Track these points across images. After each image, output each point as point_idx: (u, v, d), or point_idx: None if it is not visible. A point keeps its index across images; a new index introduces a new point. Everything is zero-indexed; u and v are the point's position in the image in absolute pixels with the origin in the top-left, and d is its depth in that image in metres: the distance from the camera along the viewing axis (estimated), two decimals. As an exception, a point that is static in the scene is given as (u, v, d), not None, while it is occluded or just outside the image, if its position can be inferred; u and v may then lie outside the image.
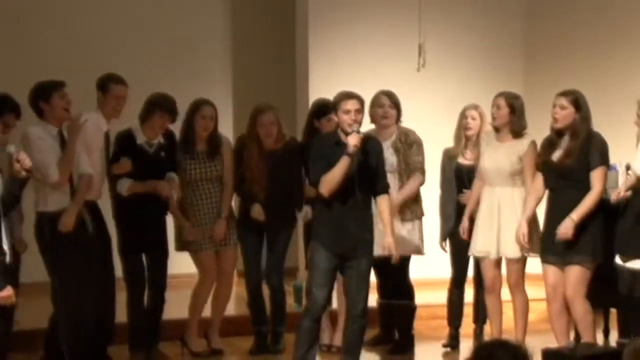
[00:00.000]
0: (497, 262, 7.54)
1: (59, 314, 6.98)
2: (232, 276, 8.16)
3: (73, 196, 6.95)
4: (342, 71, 10.00)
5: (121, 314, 7.64)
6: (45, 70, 7.59)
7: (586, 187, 6.97)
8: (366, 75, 9.75)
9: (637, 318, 6.92)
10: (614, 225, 7.00)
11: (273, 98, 8.55)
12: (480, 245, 7.51)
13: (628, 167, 7.22)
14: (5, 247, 5.88)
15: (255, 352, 8.03)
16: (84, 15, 10.42)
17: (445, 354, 8.08)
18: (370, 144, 6.92)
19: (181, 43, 10.77)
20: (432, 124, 8.08)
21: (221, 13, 11.13)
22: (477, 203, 7.57)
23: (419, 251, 8.02)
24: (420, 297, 8.24)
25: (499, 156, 7.45)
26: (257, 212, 7.85)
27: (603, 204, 7.07)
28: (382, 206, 6.99)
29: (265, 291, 8.11)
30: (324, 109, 7.81)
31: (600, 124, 7.17)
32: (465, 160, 7.99)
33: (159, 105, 7.64)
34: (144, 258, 7.70)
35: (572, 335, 7.29)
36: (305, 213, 7.97)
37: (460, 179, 7.96)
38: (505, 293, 7.70)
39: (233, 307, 8.99)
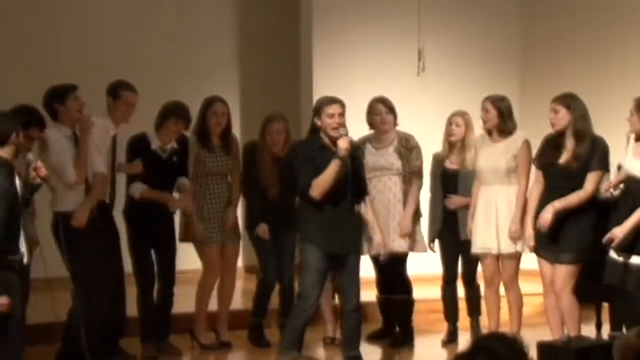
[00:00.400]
0: (497, 258, 7.61)
1: (77, 308, 7.02)
2: (235, 270, 8.18)
3: (87, 194, 7.00)
4: (344, 75, 10.01)
5: (132, 308, 7.65)
6: (57, 75, 7.59)
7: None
8: (367, 78, 9.76)
9: (628, 311, 6.92)
10: (605, 221, 7.02)
11: (278, 99, 8.59)
12: (480, 242, 7.59)
13: (619, 167, 7.23)
14: (23, 248, 5.91)
15: (253, 340, 8.07)
16: (94, 21, 10.32)
17: (444, 346, 8.10)
18: (354, 147, 7.05)
19: (189, 46, 10.74)
20: (431, 128, 8.09)
21: (228, 17, 11.12)
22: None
23: (424, 249, 8.14)
24: (418, 292, 8.27)
25: (493, 156, 7.53)
26: (262, 231, 7.93)
27: (594, 202, 7.10)
28: (368, 207, 7.24)
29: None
30: (327, 104, 7.86)
31: (596, 126, 7.19)
32: (451, 165, 8.03)
33: (174, 112, 7.70)
34: (153, 254, 7.73)
35: (566, 329, 7.31)
36: None
37: (445, 183, 8.01)
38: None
39: (241, 302, 9.02)
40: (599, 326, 7.93)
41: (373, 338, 8.33)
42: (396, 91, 8.28)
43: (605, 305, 7.77)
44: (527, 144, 7.51)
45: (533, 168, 7.43)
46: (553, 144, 7.19)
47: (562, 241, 7.02)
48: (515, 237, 7.42)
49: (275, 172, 7.91)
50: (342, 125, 6.93)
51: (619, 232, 6.65)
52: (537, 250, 7.23)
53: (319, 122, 6.97)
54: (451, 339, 8.14)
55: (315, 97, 9.54)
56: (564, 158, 7.09)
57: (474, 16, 10.60)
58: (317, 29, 10.18)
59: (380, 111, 8.05)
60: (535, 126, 7.77)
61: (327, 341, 8.11)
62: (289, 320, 7.23)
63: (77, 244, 6.92)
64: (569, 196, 6.98)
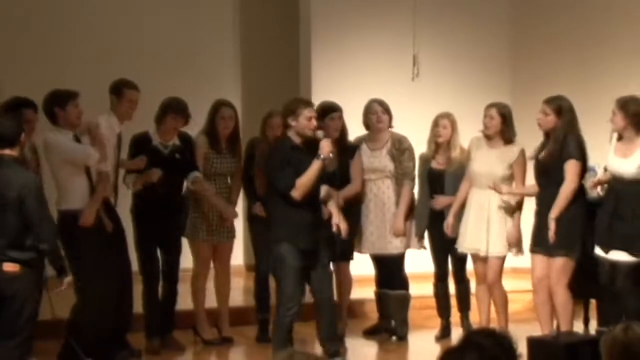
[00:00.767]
0: (486, 258, 7.66)
1: (82, 304, 7.04)
2: (229, 267, 8.16)
3: (92, 194, 7.03)
4: (342, 79, 10.01)
5: (137, 305, 7.68)
6: (61, 76, 7.58)
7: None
8: (363, 83, 9.76)
9: (615, 308, 6.95)
10: (592, 220, 7.06)
11: (278, 102, 8.54)
12: (469, 242, 7.64)
13: (605, 169, 7.26)
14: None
15: (261, 339, 8.06)
16: (96, 24, 10.25)
17: (437, 341, 8.11)
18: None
19: (192, 47, 10.70)
20: (424, 131, 8.09)
21: (230, 19, 11.10)
22: (463, 204, 7.68)
23: (422, 246, 8.19)
24: (413, 289, 8.29)
25: (491, 161, 7.58)
26: (259, 209, 7.91)
27: (584, 200, 7.14)
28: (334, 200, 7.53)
29: (272, 283, 8.14)
30: (327, 110, 7.93)
31: (584, 128, 7.24)
32: (437, 165, 8.05)
33: (172, 108, 7.71)
34: (158, 252, 7.74)
35: (555, 323, 7.33)
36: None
37: (432, 182, 8.04)
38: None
39: (242, 299, 9.04)
40: (586, 322, 7.96)
41: (369, 333, 8.36)
42: (391, 96, 8.29)
43: (593, 301, 7.79)
44: (523, 153, 7.60)
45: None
46: (542, 144, 7.26)
47: (558, 237, 7.05)
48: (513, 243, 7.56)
49: None
50: (318, 128, 7.05)
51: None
52: (532, 248, 7.28)
53: (294, 123, 7.01)
54: (445, 334, 8.17)
55: (314, 101, 9.58)
56: (542, 155, 7.16)
57: (467, 24, 10.60)
58: (316, 35, 10.18)
59: (377, 111, 8.09)
60: (524, 129, 7.79)
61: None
62: (275, 321, 7.24)
63: (82, 242, 6.93)
64: (557, 200, 7.04)
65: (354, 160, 8.00)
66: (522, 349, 6.47)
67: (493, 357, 3.00)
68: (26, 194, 6.07)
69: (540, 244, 7.20)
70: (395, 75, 9.92)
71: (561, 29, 10.40)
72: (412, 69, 9.83)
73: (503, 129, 7.58)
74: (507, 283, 7.99)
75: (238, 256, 8.19)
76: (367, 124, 8.16)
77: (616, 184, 6.97)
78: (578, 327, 7.63)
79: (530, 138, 7.51)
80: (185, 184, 7.81)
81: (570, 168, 7.08)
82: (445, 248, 8.00)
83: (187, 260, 8.07)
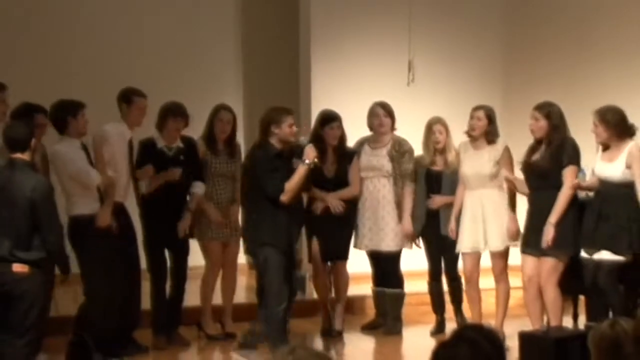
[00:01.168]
0: (478, 258, 7.70)
1: (90, 303, 7.07)
2: (236, 265, 8.20)
3: (101, 200, 7.07)
4: (340, 85, 10.03)
5: (145, 302, 7.71)
6: (66, 81, 7.57)
7: (561, 186, 7.11)
8: (360, 88, 9.78)
9: (602, 304, 6.99)
10: (580, 222, 7.09)
11: (280, 101, 8.55)
12: (467, 242, 7.68)
13: (593, 172, 7.30)
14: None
15: None
16: (99, 24, 10.21)
17: (432, 336, 8.13)
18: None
19: (192, 48, 10.68)
20: (420, 135, 8.12)
21: (231, 19, 11.10)
22: (461, 206, 7.73)
23: (417, 245, 8.24)
24: (409, 286, 8.33)
25: (477, 162, 7.64)
26: None
27: (576, 205, 7.17)
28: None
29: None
30: (327, 119, 7.99)
31: (576, 131, 7.28)
32: (437, 167, 8.08)
33: (171, 111, 7.75)
34: (166, 253, 7.78)
35: (545, 319, 7.35)
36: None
37: (429, 183, 8.07)
38: (487, 282, 7.86)
39: (245, 296, 9.06)
40: (575, 317, 7.99)
41: (367, 329, 8.40)
42: (387, 100, 8.32)
43: (582, 298, 7.81)
44: (507, 150, 7.66)
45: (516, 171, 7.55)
46: (532, 148, 7.29)
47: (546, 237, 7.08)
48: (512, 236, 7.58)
49: None
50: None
51: None
52: (523, 247, 7.31)
53: (276, 130, 7.15)
54: (439, 329, 8.20)
55: (313, 104, 9.65)
56: (536, 158, 7.18)
57: (461, 31, 10.62)
58: (315, 38, 10.20)
59: (379, 114, 8.15)
60: (514, 132, 7.83)
61: (334, 334, 8.15)
62: (268, 320, 7.26)
63: (94, 246, 6.97)
64: (556, 205, 7.08)
65: (352, 165, 8.04)
66: (514, 343, 6.55)
67: (482, 350, 3.06)
68: (37, 197, 6.10)
69: (531, 245, 7.24)
70: (391, 80, 9.92)
71: (553, 35, 10.42)
72: (408, 75, 9.85)
73: (488, 130, 7.65)
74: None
75: (240, 254, 8.19)
76: (370, 126, 8.22)
77: (602, 188, 7.00)
78: (567, 322, 7.66)
79: (524, 139, 7.54)
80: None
81: (570, 174, 7.11)
82: (439, 247, 8.04)
83: (193, 258, 8.09)
